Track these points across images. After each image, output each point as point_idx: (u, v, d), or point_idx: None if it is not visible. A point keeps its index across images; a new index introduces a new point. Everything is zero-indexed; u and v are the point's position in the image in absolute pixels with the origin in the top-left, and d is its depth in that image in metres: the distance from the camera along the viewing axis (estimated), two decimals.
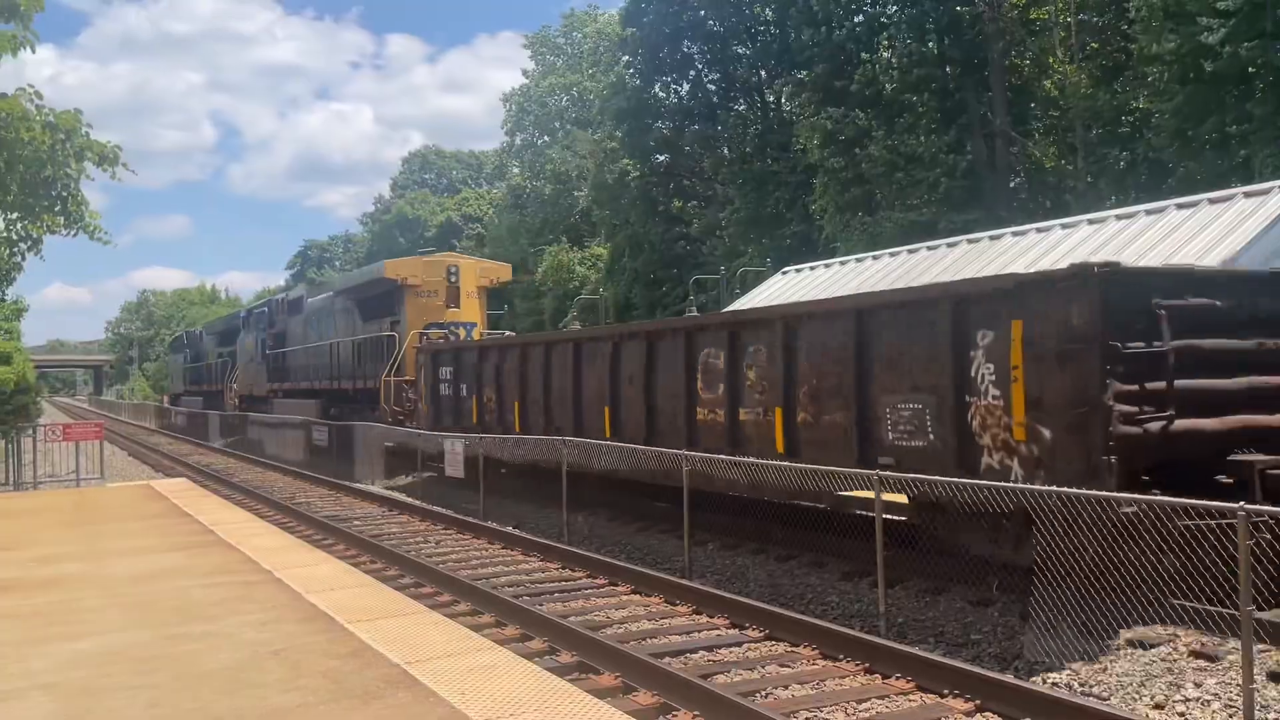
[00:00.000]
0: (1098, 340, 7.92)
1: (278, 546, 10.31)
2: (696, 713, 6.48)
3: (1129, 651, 7.46)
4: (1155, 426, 7.99)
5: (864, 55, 32.46)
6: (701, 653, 7.97)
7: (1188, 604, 7.19)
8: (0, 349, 34.29)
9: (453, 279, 26.07)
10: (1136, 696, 6.75)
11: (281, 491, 20.70)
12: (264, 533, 11.57)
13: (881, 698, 6.75)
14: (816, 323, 11.08)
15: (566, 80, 60.61)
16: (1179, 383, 8.07)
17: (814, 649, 7.79)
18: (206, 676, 5.64)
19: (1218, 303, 8.60)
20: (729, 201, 38.45)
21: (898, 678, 7.01)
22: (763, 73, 39.66)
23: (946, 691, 6.68)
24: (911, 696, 6.77)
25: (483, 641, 6.47)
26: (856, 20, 33.05)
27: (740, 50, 39.96)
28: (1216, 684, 6.75)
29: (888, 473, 9.14)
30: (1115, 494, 7.30)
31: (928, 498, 9.29)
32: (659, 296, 42.40)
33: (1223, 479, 8.07)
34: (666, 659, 7.60)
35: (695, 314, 29.63)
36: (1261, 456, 8.11)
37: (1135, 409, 7.95)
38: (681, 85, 41.67)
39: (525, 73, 65.03)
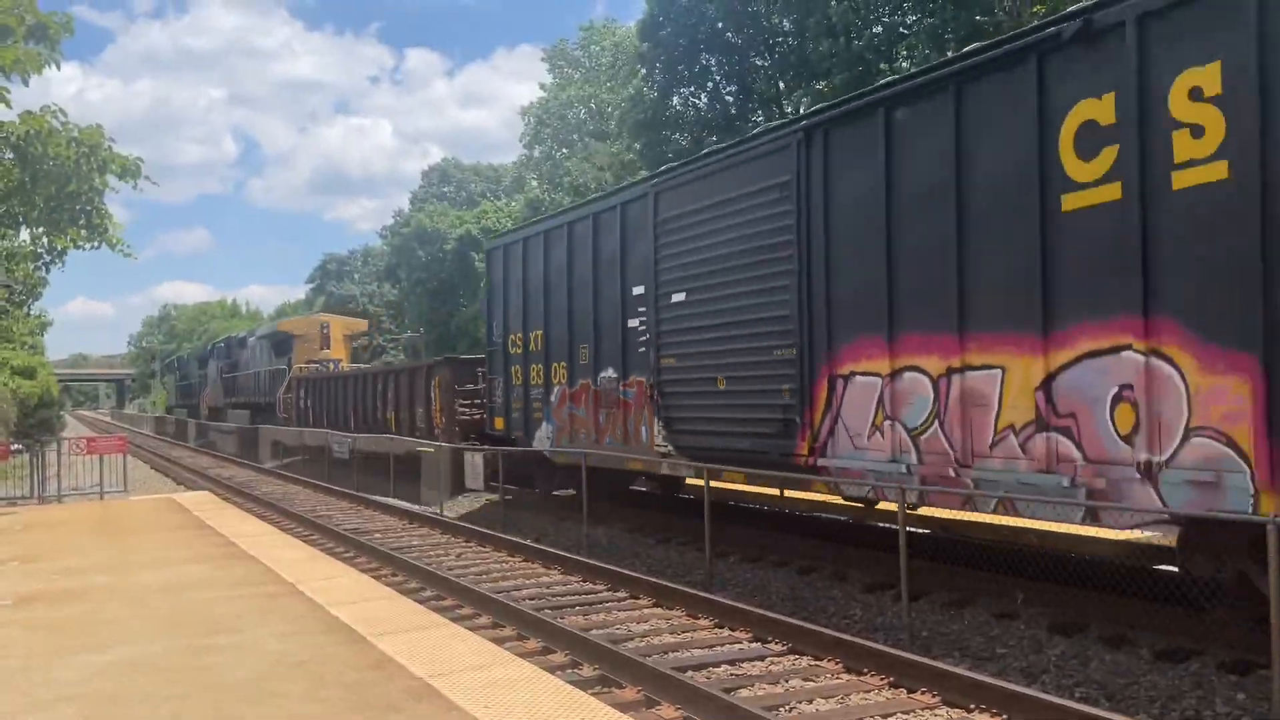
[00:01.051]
0: (452, 384, 21.54)
1: (299, 559, 10.33)
2: None
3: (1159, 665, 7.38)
4: (477, 416, 20.49)
5: (883, 66, 32.38)
6: (724, 666, 7.91)
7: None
8: (24, 363, 34.69)
9: (325, 331, 40.38)
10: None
11: (302, 504, 20.78)
12: (285, 545, 11.60)
13: (907, 712, 6.68)
14: (399, 374, 25.58)
15: (584, 93, 60.69)
16: (491, 400, 18.69)
17: (838, 662, 7.73)
18: (230, 687, 5.64)
19: None
20: None
21: (923, 692, 6.94)
22: (781, 84, 39.55)
23: (973, 706, 6.60)
24: (937, 711, 6.69)
25: (505, 654, 6.45)
26: (875, 30, 32.95)
27: (758, 62, 39.86)
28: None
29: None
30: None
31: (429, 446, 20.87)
32: None
33: (514, 437, 17.40)
34: (689, 672, 7.56)
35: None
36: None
37: (468, 408, 21.10)
38: (700, 97, 41.56)
39: (543, 86, 65.23)
